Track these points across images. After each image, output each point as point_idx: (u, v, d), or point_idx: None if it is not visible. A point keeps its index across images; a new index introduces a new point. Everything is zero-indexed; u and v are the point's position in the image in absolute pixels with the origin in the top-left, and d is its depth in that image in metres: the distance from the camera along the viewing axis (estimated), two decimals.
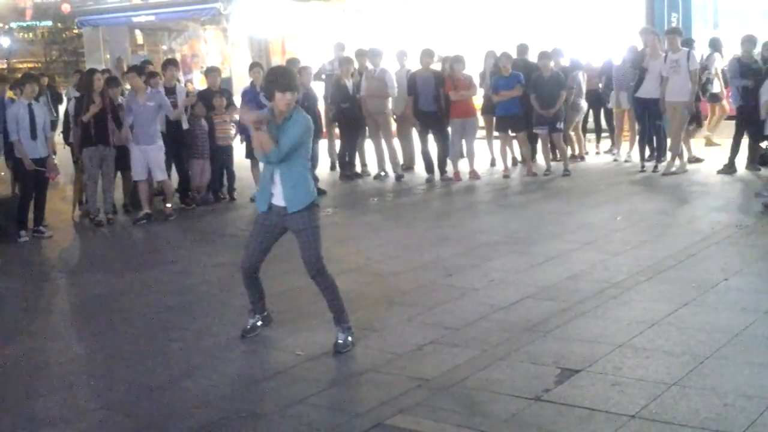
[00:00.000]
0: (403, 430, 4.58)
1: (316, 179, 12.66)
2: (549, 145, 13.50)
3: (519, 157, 14.15)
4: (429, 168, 13.29)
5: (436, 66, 13.83)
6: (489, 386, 5.09)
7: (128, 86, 11.99)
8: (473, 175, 13.17)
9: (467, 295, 7.02)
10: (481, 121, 14.21)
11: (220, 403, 5.09)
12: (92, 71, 12.00)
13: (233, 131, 12.60)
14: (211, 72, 13.29)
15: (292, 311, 6.84)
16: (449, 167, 13.25)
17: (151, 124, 11.18)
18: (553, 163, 13.44)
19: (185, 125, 11.94)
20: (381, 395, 5.09)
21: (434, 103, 13.03)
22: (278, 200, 5.84)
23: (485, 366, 5.41)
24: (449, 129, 13.23)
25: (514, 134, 13.54)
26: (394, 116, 14.36)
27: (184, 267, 8.81)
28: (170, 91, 11.89)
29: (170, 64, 12.58)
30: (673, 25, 15.35)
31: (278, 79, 5.68)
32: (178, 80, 12.74)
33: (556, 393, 4.93)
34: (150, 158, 11.17)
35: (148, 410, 5.07)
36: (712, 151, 13.69)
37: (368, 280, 7.03)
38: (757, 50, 12.44)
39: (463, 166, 13.24)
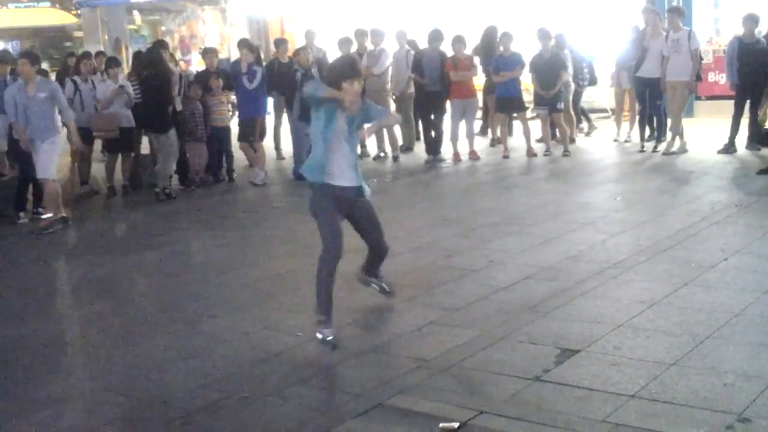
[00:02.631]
0: (403, 410, 4.58)
1: None
2: (549, 126, 13.47)
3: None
4: (434, 149, 13.24)
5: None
6: (489, 367, 5.10)
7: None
8: (473, 155, 13.15)
9: (467, 276, 7.01)
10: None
11: (220, 383, 5.10)
12: (157, 48, 12.18)
13: (230, 112, 12.56)
14: (208, 53, 13.22)
15: (292, 292, 6.84)
16: (447, 148, 13.23)
17: (43, 117, 9.80)
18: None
19: (179, 107, 11.90)
20: (381, 376, 5.10)
21: (439, 83, 12.99)
22: (347, 181, 5.82)
23: (485, 346, 5.41)
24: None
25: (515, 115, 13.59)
26: (393, 96, 14.32)
27: (184, 248, 8.81)
28: None
29: (160, 46, 12.48)
30: (674, 4, 15.28)
31: (345, 68, 5.69)
32: (175, 62, 12.66)
33: (555, 373, 4.93)
34: (39, 153, 9.85)
35: (148, 391, 5.07)
36: (713, 132, 13.64)
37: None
38: (759, 29, 12.39)
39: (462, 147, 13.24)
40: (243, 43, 12.99)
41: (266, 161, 12.65)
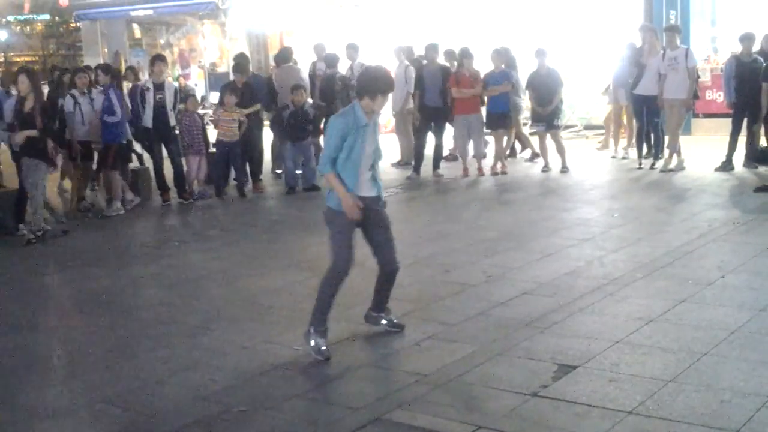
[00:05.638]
0: (401, 425, 4.59)
1: (313, 174, 12.71)
2: (545, 143, 13.49)
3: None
4: (416, 166, 13.21)
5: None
6: (487, 382, 5.11)
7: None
8: (479, 172, 13.11)
9: (465, 291, 7.03)
10: None
11: (218, 397, 5.10)
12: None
13: (239, 128, 12.36)
14: (237, 69, 13.12)
15: (291, 306, 6.85)
16: (447, 163, 13.25)
17: None
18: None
19: (173, 122, 11.92)
20: (379, 390, 5.11)
21: (440, 98, 13.01)
22: (372, 191, 5.88)
23: (483, 362, 5.42)
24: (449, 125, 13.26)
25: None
26: (393, 112, 14.37)
27: (181, 261, 8.82)
28: (158, 87, 11.85)
29: (158, 59, 12.43)
30: (672, 22, 15.36)
31: (382, 81, 5.74)
32: (184, 77, 12.69)
33: (553, 389, 4.94)
34: None
35: (146, 404, 5.08)
36: (710, 149, 13.68)
37: (366, 276, 7.03)
38: (756, 48, 12.45)
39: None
40: (101, 65, 12.63)
41: (120, 191, 11.64)
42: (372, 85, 5.69)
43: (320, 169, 5.86)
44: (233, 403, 4.98)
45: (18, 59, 34.73)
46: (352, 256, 5.81)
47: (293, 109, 12.17)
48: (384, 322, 6.15)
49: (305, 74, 13.90)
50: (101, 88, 11.82)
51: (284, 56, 14.16)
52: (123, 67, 19.08)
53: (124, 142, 11.58)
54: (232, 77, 12.88)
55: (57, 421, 4.93)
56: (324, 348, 5.66)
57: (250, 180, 12.75)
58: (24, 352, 6.19)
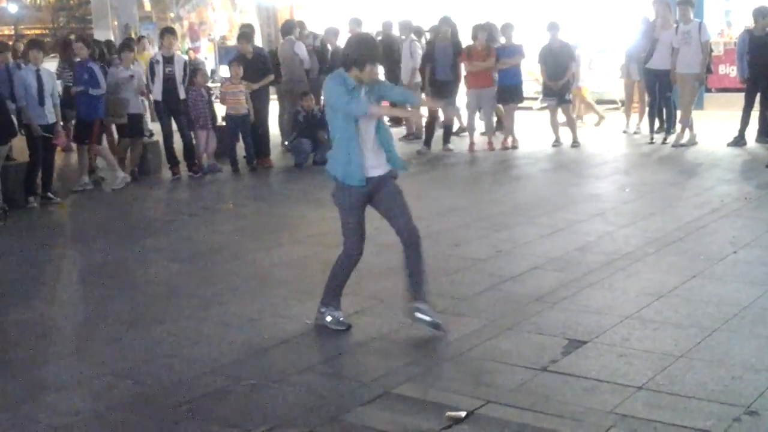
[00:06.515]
0: (410, 399, 4.59)
1: (326, 150, 12.68)
2: (555, 117, 13.40)
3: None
4: (427, 140, 13.15)
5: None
6: (496, 356, 5.10)
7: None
8: (489, 147, 13.06)
9: (474, 265, 7.01)
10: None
11: (228, 370, 5.11)
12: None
13: (247, 101, 12.26)
14: (241, 38, 12.98)
15: (301, 280, 6.85)
16: (459, 138, 13.20)
17: None
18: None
19: (182, 95, 11.86)
20: (388, 364, 5.10)
21: (451, 72, 12.95)
22: (378, 169, 5.55)
23: (492, 336, 5.41)
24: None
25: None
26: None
27: (191, 234, 8.81)
28: (168, 61, 11.79)
29: (168, 32, 12.29)
30: None
31: (370, 51, 5.40)
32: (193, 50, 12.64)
33: (563, 363, 4.93)
34: None
35: (156, 377, 5.08)
36: (723, 125, 13.58)
37: (375, 251, 7.01)
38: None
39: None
40: (80, 38, 12.44)
41: (114, 162, 11.64)
42: (357, 54, 5.34)
43: (357, 112, 5.30)
44: (242, 377, 4.98)
45: (28, 32, 34.67)
46: (363, 238, 5.66)
47: (305, 113, 12.23)
48: (421, 316, 5.53)
49: (301, 48, 13.73)
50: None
51: (286, 29, 14.11)
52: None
53: (101, 116, 11.46)
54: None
55: (66, 394, 4.93)
56: (342, 318, 5.66)
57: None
58: (33, 324, 6.21)
